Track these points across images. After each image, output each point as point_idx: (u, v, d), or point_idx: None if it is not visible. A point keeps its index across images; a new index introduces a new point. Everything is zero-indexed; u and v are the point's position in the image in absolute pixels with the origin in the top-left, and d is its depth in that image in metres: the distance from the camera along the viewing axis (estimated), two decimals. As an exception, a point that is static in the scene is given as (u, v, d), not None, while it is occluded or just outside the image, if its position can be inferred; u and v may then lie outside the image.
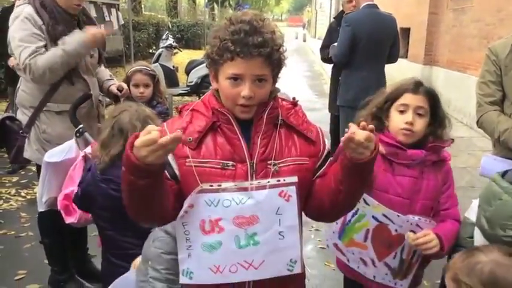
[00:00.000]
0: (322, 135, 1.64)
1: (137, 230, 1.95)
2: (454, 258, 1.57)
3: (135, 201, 1.41)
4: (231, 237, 1.47)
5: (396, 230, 1.96)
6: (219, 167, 1.48)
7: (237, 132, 1.51)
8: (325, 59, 5.49)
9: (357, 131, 1.38)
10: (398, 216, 1.94)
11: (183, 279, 1.53)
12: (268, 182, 1.47)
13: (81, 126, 2.85)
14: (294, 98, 1.66)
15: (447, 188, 2.08)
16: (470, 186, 5.32)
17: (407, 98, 2.01)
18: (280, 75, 1.57)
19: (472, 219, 2.03)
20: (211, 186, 1.45)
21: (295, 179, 1.50)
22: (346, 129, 1.41)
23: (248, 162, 1.49)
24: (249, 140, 1.52)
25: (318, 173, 1.61)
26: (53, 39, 2.80)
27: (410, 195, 2.01)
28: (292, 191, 1.49)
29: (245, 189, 1.46)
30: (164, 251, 1.80)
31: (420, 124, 1.99)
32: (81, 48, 2.85)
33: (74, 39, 2.82)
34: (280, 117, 1.57)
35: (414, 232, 1.96)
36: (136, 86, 3.26)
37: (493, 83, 2.67)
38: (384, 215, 1.96)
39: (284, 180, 1.49)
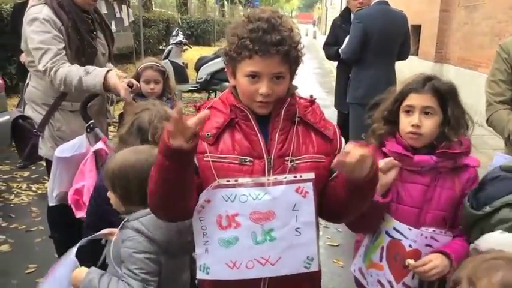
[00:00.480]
0: (339, 133, 1.66)
1: None
2: (471, 268, 1.40)
3: (164, 190, 1.42)
4: (248, 232, 1.48)
5: (410, 246, 1.82)
6: (237, 162, 1.49)
7: (255, 128, 1.52)
8: (329, 56, 5.47)
9: (351, 151, 1.36)
10: (410, 229, 1.82)
11: (200, 275, 1.53)
12: (285, 177, 1.48)
13: (91, 121, 2.86)
14: (311, 96, 1.67)
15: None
16: (481, 185, 5.25)
17: (413, 98, 1.86)
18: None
19: None
20: (228, 181, 1.47)
21: (312, 175, 1.50)
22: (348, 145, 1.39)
23: (266, 158, 1.50)
24: (266, 136, 1.53)
25: (333, 174, 1.61)
26: (72, 41, 2.80)
27: (420, 204, 1.85)
28: (309, 187, 1.49)
29: (262, 184, 1.47)
30: (136, 250, 1.75)
31: (428, 125, 1.83)
32: (95, 88, 2.77)
33: (95, 77, 2.73)
34: (297, 115, 1.58)
35: (431, 246, 1.82)
36: (147, 82, 3.28)
37: (504, 82, 2.63)
38: (395, 229, 1.84)
39: (301, 176, 1.49)
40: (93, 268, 1.84)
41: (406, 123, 1.87)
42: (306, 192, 1.49)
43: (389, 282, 1.88)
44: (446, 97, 1.86)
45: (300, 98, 1.64)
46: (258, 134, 1.52)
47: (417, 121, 1.83)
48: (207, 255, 1.52)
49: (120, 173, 1.82)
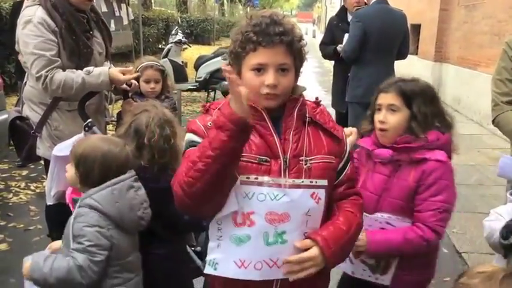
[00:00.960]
0: (345, 135, 1.68)
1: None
2: None
3: (213, 175, 1.35)
4: (260, 232, 1.47)
5: (365, 229, 1.97)
6: (256, 161, 1.48)
7: (270, 128, 1.52)
8: (326, 55, 5.48)
9: (291, 265, 1.49)
10: (365, 216, 1.94)
11: (208, 269, 1.53)
12: (302, 181, 1.49)
13: (89, 120, 2.86)
14: (317, 98, 1.69)
15: (424, 190, 1.99)
16: (479, 184, 5.29)
17: (380, 98, 2.09)
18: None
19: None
20: (248, 178, 1.46)
21: (325, 182, 1.53)
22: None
23: (282, 158, 1.50)
24: (279, 136, 1.53)
25: (338, 179, 1.63)
26: (66, 41, 2.80)
27: (379, 192, 2.06)
28: (322, 194, 1.52)
29: (280, 185, 1.47)
30: (87, 224, 1.82)
31: (393, 120, 2.03)
32: (101, 86, 2.90)
33: (99, 76, 2.82)
34: (307, 115, 1.59)
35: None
36: (148, 81, 3.28)
37: (511, 82, 2.55)
38: None
39: (316, 182, 1.51)
40: (40, 252, 1.93)
41: (376, 119, 2.10)
42: (319, 199, 1.51)
43: (349, 258, 2.05)
44: (411, 96, 2.04)
45: (305, 99, 1.65)
46: (274, 134, 1.51)
47: (382, 117, 2.05)
48: (218, 250, 1.52)
49: (89, 156, 1.91)
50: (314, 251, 1.51)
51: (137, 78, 3.26)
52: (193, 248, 2.38)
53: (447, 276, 3.50)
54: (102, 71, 2.85)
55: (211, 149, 1.33)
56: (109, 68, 2.93)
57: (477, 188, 5.20)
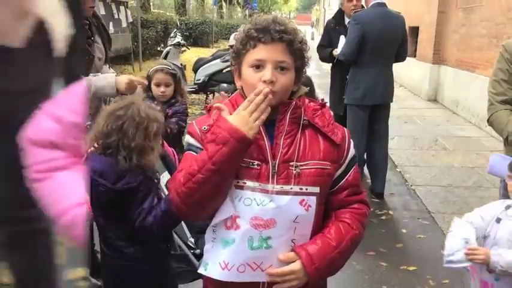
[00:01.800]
0: (348, 139, 1.62)
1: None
2: None
3: (212, 186, 1.41)
4: (245, 236, 1.47)
5: None
6: (245, 165, 1.47)
7: (262, 132, 1.50)
8: (323, 58, 5.50)
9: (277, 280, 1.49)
10: None
11: (200, 269, 1.55)
12: (291, 188, 1.47)
13: (88, 123, 2.86)
14: (322, 100, 1.66)
15: None
16: (478, 186, 5.31)
17: None
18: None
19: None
20: (238, 182, 1.47)
21: (317, 189, 1.50)
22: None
23: (270, 163, 1.48)
24: (272, 139, 1.51)
25: (337, 185, 1.60)
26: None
27: None
28: (312, 201, 1.49)
29: (267, 191, 1.46)
30: None
31: None
32: (108, 90, 2.88)
33: (106, 77, 2.84)
34: (303, 117, 1.55)
35: None
36: (158, 85, 3.29)
37: (506, 82, 2.61)
38: None
39: (307, 189, 1.48)
40: None
41: None
42: (309, 206, 1.48)
43: None
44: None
45: (310, 101, 1.62)
46: (265, 138, 1.50)
47: None
48: (210, 251, 1.53)
49: None
50: (296, 265, 1.49)
51: (149, 82, 3.28)
52: (192, 251, 2.38)
53: (446, 278, 3.51)
54: (107, 75, 2.85)
55: (212, 162, 1.37)
56: (115, 76, 2.93)
57: (475, 190, 5.22)
